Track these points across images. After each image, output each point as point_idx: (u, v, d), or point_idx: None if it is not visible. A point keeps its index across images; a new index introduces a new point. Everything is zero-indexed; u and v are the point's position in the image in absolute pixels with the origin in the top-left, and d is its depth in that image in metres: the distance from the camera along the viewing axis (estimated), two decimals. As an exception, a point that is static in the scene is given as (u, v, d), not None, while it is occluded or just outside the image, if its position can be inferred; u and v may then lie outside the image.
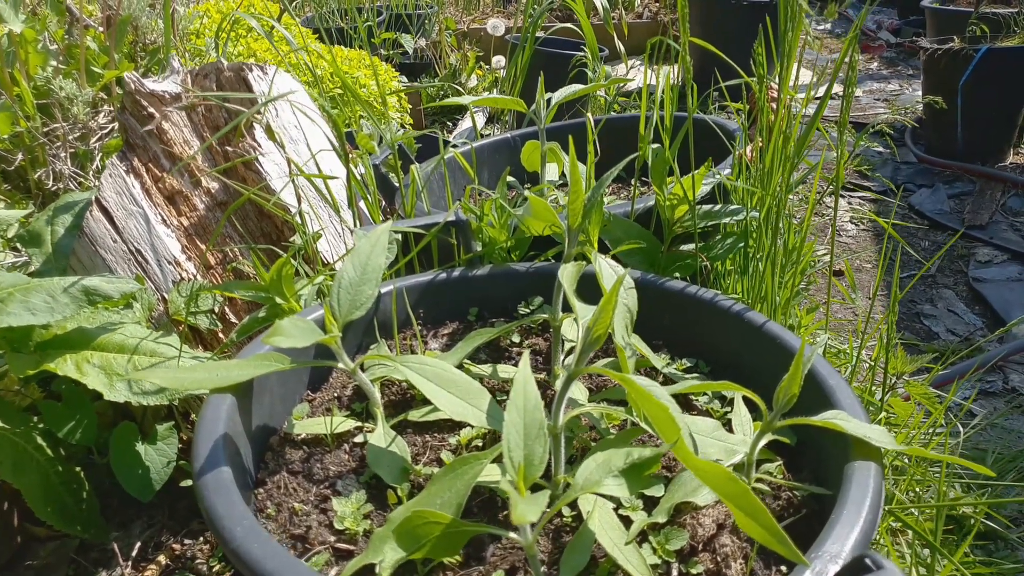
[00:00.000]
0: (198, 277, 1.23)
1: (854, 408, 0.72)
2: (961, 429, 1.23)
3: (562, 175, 1.49)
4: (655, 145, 1.05)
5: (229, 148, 1.28)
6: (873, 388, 1.13)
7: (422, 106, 3.12)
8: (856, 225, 2.36)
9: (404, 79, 3.26)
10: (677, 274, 1.07)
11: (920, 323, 1.83)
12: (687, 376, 0.89)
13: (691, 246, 1.08)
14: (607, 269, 0.79)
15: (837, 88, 3.67)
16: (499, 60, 3.37)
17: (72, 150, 1.74)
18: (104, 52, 1.97)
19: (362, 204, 1.25)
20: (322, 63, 2.25)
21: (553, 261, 1.05)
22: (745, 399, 0.87)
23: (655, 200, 1.07)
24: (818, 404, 0.74)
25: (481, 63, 3.36)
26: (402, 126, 2.81)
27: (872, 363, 1.11)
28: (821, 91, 3.63)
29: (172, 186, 1.25)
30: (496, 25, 3.05)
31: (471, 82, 3.20)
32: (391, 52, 3.27)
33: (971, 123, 2.52)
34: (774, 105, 1.13)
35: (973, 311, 1.86)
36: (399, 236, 1.03)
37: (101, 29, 2.01)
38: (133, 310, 1.16)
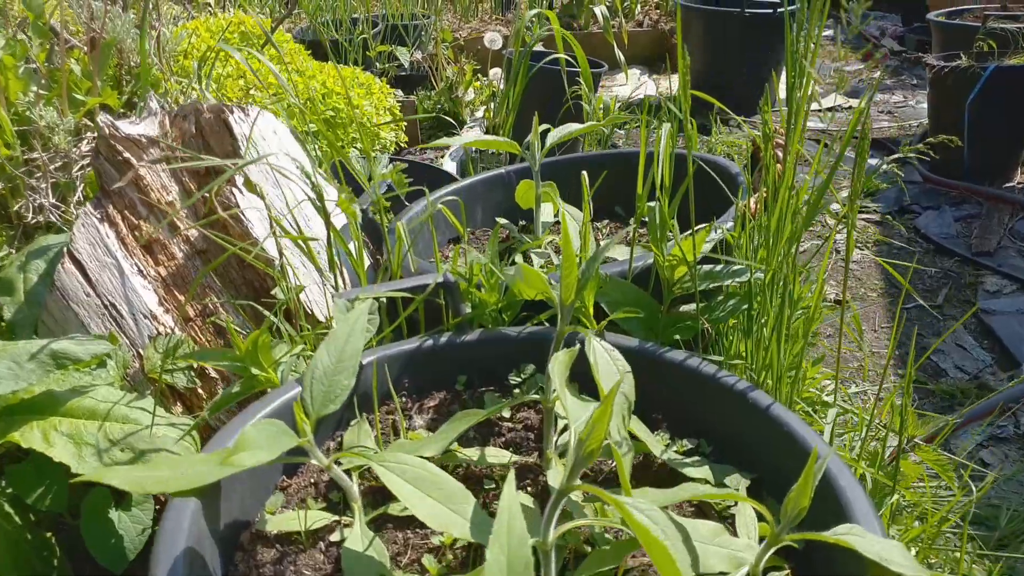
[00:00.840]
0: (176, 331, 1.17)
1: (869, 519, 0.66)
2: (974, 489, 1.17)
3: (558, 214, 1.43)
4: (652, 203, 0.99)
5: (209, 195, 1.22)
6: (884, 452, 1.07)
7: (418, 119, 3.06)
8: (860, 249, 2.30)
9: (400, 93, 3.20)
10: (677, 336, 1.01)
11: (928, 359, 1.77)
12: (688, 461, 0.83)
13: (692, 306, 1.02)
14: (603, 360, 0.73)
15: (840, 100, 3.61)
16: (496, 72, 3.31)
17: (53, 180, 1.68)
18: (88, 77, 1.91)
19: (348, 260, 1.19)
20: (314, 83, 2.19)
21: (547, 324, 0.99)
22: (752, 487, 0.81)
23: (654, 259, 1.01)
24: (830, 512, 0.68)
25: (479, 75, 3.30)
26: (397, 146, 2.75)
27: (885, 427, 1.05)
28: (828, 101, 3.57)
29: (149, 234, 1.19)
30: (493, 39, 2.99)
31: (468, 95, 3.14)
32: (386, 65, 3.20)
33: (978, 142, 2.46)
34: (780, 153, 1.07)
35: (982, 345, 1.80)
36: (383, 300, 0.97)
37: (87, 50, 1.95)
38: (107, 368, 1.11)
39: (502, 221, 1.39)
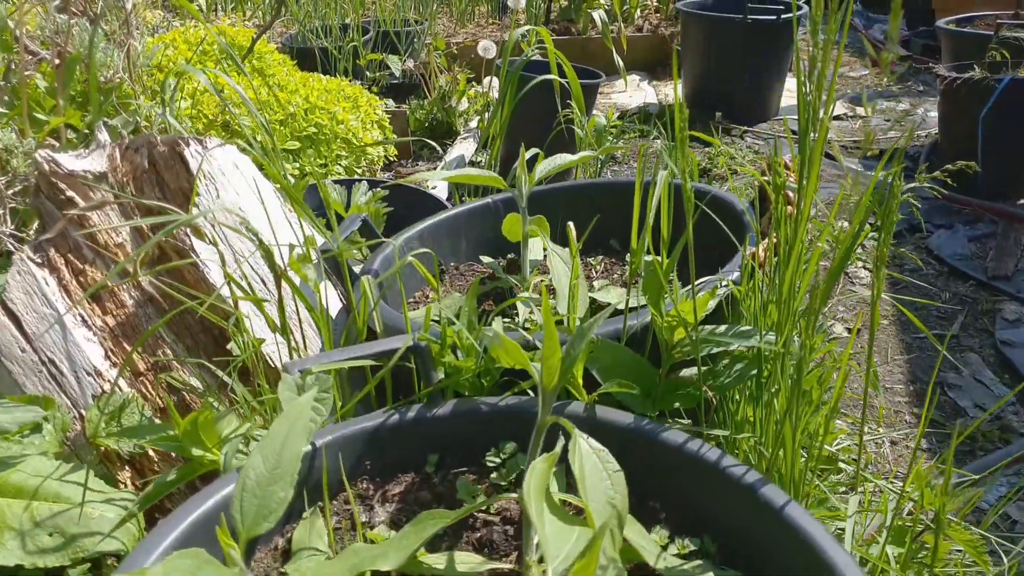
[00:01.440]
0: (123, 389, 1.06)
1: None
2: (1005, 561, 1.05)
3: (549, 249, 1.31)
4: (648, 258, 0.87)
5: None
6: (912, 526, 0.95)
7: (410, 129, 2.94)
8: (868, 269, 2.17)
9: (391, 102, 3.08)
10: (678, 403, 0.90)
11: (944, 394, 1.65)
12: (689, 569, 0.71)
13: (693, 370, 0.90)
14: (591, 466, 0.61)
15: (845, 108, 3.49)
16: (491, 81, 3.18)
17: (12, 206, 1.57)
18: (52, 95, 1.79)
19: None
20: (295, 99, 2.07)
21: (531, 393, 0.88)
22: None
23: (651, 319, 0.89)
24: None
25: (473, 83, 3.18)
26: (387, 160, 2.63)
27: (911, 512, 0.94)
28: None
29: (96, 280, 1.07)
30: (487, 47, 2.87)
31: (461, 105, 3.02)
32: (377, 74, 3.08)
33: (992, 157, 2.34)
34: (790, 208, 0.95)
35: (1003, 380, 1.68)
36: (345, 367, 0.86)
37: (58, 62, 1.83)
38: (43, 434, 0.99)
39: (486, 260, 1.27)
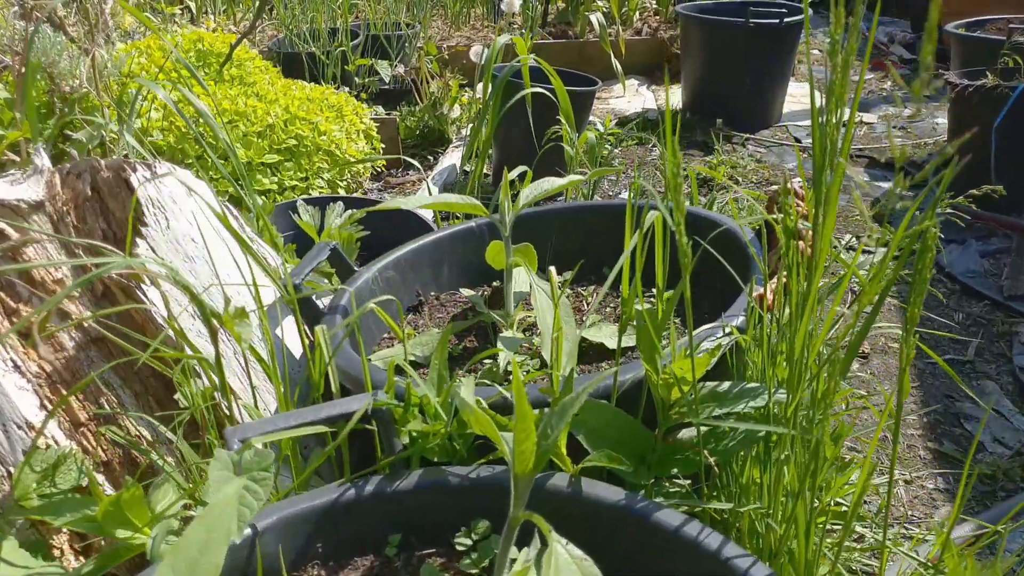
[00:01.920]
0: (58, 442, 0.95)
1: None
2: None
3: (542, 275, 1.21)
4: (644, 306, 0.76)
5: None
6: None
7: (400, 137, 2.83)
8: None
9: (380, 109, 2.97)
10: (675, 469, 0.79)
11: (960, 427, 1.54)
12: None
13: (693, 432, 0.80)
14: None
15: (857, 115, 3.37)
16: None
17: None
18: (9, 106, 1.68)
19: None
20: (275, 109, 1.96)
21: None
22: None
23: (645, 374, 0.78)
24: None
25: (465, 89, 3.07)
26: (375, 171, 2.53)
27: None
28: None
29: (31, 323, 0.96)
30: (480, 52, 2.76)
31: (454, 112, 2.91)
32: (367, 80, 2.97)
33: (1007, 168, 2.23)
34: (802, 244, 0.84)
35: (1022, 411, 1.57)
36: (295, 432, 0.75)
37: (17, 73, 1.72)
38: (-35, 497, 0.88)
39: (467, 293, 1.16)
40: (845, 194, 2.57)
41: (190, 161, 1.77)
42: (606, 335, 1.05)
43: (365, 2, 3.46)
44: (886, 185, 2.62)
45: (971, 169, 2.25)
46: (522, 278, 1.14)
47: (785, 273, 0.82)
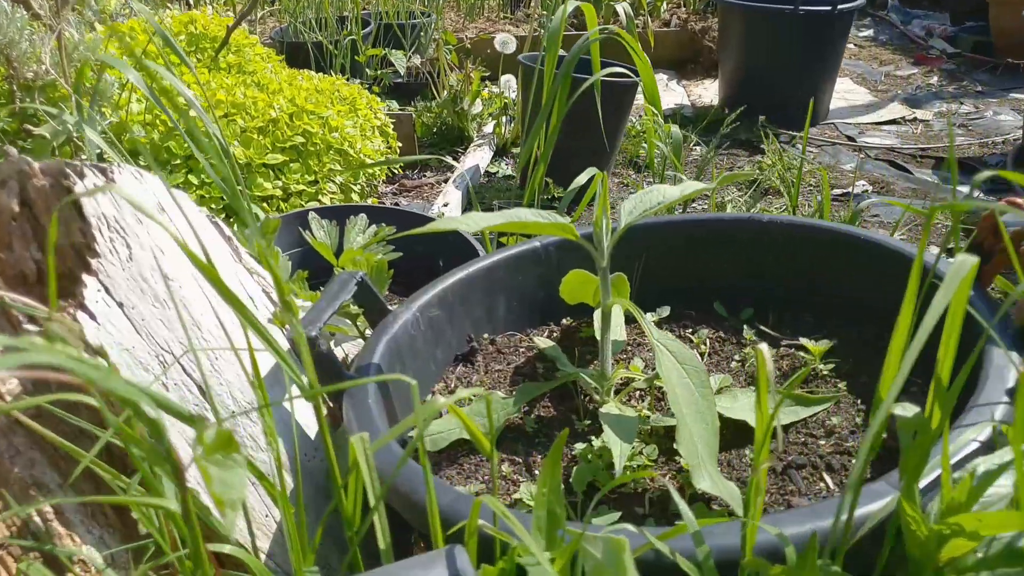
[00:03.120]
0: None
1: None
2: None
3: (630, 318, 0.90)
4: (907, 411, 0.45)
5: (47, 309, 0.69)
6: None
7: (416, 135, 2.51)
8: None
9: (395, 104, 2.66)
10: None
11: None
12: None
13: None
14: None
15: (902, 110, 3.06)
16: (508, 80, 2.76)
17: None
18: (-43, 97, 1.37)
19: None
20: (279, 101, 1.65)
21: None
22: None
23: (896, 508, 0.47)
24: None
25: (487, 83, 2.76)
26: (390, 172, 2.21)
27: None
28: (887, 112, 3.03)
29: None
30: (505, 41, 2.45)
31: (475, 108, 2.60)
32: (379, 72, 2.66)
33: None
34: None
35: None
36: None
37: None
38: None
39: (541, 343, 0.85)
40: (917, 198, 2.26)
41: (177, 162, 1.46)
42: (745, 408, 0.74)
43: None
44: (961, 188, 2.31)
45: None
46: (618, 321, 0.83)
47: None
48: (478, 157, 2.44)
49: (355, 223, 1.04)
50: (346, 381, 0.73)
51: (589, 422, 0.78)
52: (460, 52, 2.76)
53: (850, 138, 2.79)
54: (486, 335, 0.96)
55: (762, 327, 0.91)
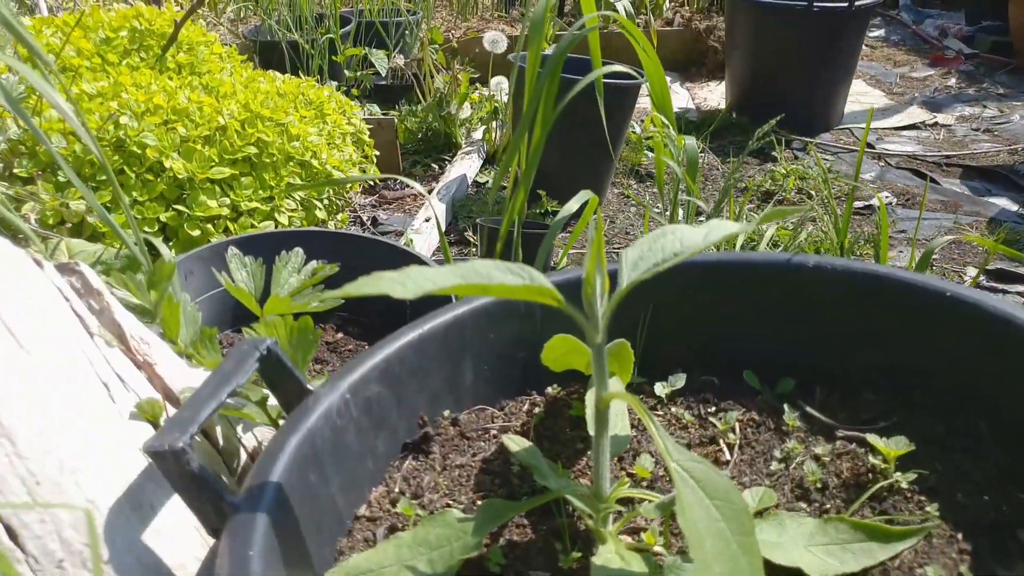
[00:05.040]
0: None
1: None
2: None
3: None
4: None
5: None
6: None
7: (398, 142, 2.28)
8: None
9: (376, 108, 2.43)
10: None
11: None
12: None
13: None
14: None
15: (921, 114, 2.83)
16: (500, 82, 2.53)
17: None
18: None
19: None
20: (229, 106, 1.42)
21: None
22: None
23: None
24: None
25: (476, 85, 2.53)
26: (370, 183, 1.99)
27: None
28: (905, 117, 2.80)
29: None
30: (496, 40, 2.22)
31: (463, 112, 2.37)
32: (359, 73, 2.43)
33: None
34: None
35: None
36: None
37: None
38: None
39: (513, 446, 0.62)
40: (947, 212, 2.03)
41: (102, 178, 1.23)
42: (797, 545, 0.51)
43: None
44: (1000, 201, 2.08)
45: None
46: (620, 420, 0.60)
47: None
48: (466, 166, 2.21)
49: (286, 260, 0.81)
50: (227, 511, 0.50)
51: (579, 554, 0.56)
52: (448, 52, 2.53)
53: (869, 144, 2.56)
54: (447, 412, 0.73)
55: (807, 408, 0.68)
